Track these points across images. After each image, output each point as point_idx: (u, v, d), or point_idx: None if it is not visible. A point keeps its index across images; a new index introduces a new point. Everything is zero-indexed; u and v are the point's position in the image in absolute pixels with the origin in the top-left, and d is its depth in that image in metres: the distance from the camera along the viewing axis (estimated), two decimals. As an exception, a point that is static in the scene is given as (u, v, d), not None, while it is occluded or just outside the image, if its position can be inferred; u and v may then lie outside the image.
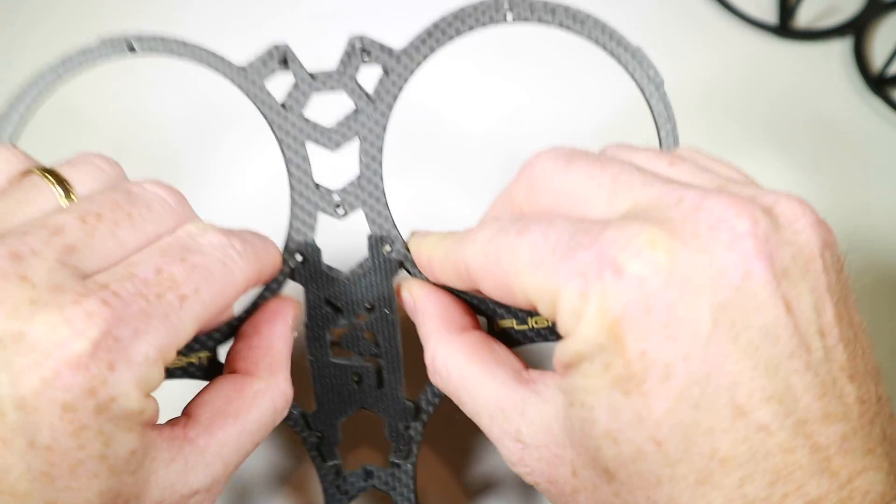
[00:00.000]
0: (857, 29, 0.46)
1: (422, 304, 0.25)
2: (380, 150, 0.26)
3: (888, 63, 0.44)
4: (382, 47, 0.26)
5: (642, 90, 0.27)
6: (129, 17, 0.44)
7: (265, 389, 0.24)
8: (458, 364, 0.24)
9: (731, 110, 0.43)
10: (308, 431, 0.27)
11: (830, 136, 0.43)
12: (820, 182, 0.42)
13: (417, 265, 0.26)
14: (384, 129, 0.26)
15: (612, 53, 0.27)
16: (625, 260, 0.18)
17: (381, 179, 0.26)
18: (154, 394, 0.20)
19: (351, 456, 0.28)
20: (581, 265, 0.19)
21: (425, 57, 0.26)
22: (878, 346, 0.21)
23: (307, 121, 0.26)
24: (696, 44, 0.45)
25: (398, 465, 0.27)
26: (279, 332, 0.25)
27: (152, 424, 0.21)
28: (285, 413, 0.25)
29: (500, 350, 0.25)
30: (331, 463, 0.27)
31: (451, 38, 0.26)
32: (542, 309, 0.20)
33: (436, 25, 0.26)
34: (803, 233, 0.20)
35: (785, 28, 0.46)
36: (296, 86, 0.26)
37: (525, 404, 0.22)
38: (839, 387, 0.19)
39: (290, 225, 0.26)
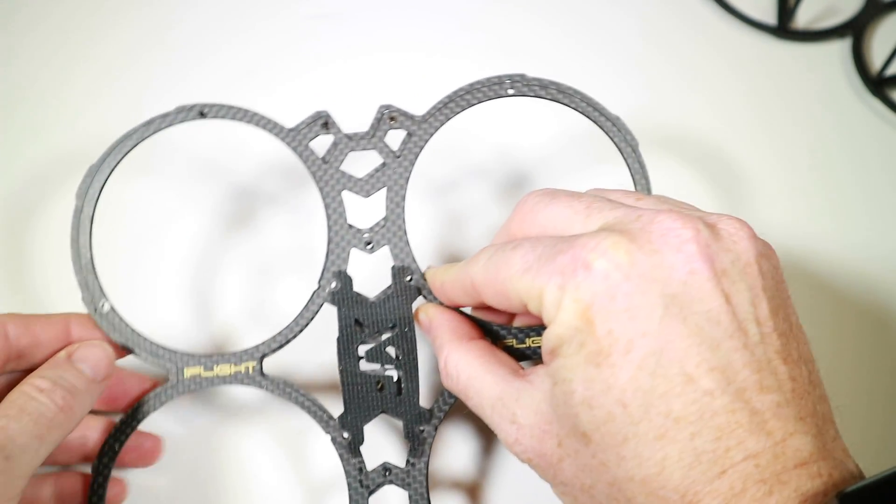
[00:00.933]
0: (855, 30, 0.46)
1: (436, 321, 0.30)
2: (403, 197, 0.32)
3: (887, 63, 0.44)
4: (406, 114, 0.32)
5: (621, 151, 0.32)
6: (129, 17, 0.44)
7: None
8: (466, 366, 0.28)
9: (730, 110, 0.44)
10: (338, 433, 0.31)
11: (829, 136, 0.43)
12: (818, 181, 0.42)
13: (432, 290, 0.31)
14: (407, 180, 0.32)
15: (595, 121, 0.32)
16: (593, 259, 0.23)
17: (404, 221, 0.32)
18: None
19: (372, 455, 0.31)
20: (560, 266, 0.24)
21: (442, 123, 0.32)
22: (880, 343, 0.22)
23: (343, 173, 0.32)
24: (695, 44, 0.46)
25: (413, 464, 0.31)
26: None
27: None
28: None
29: (501, 354, 0.29)
30: (355, 460, 0.31)
31: (463, 108, 0.32)
32: (532, 306, 0.25)
33: (450, 97, 0.32)
34: (740, 243, 0.24)
35: (784, 29, 0.46)
36: (334, 144, 0.32)
37: (520, 393, 0.26)
38: (773, 366, 0.23)
39: (327, 258, 0.31)
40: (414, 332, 0.31)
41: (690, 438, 0.22)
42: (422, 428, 0.31)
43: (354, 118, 0.32)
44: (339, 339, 0.31)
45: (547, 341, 0.24)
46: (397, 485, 0.31)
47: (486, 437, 0.35)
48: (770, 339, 0.23)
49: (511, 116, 0.40)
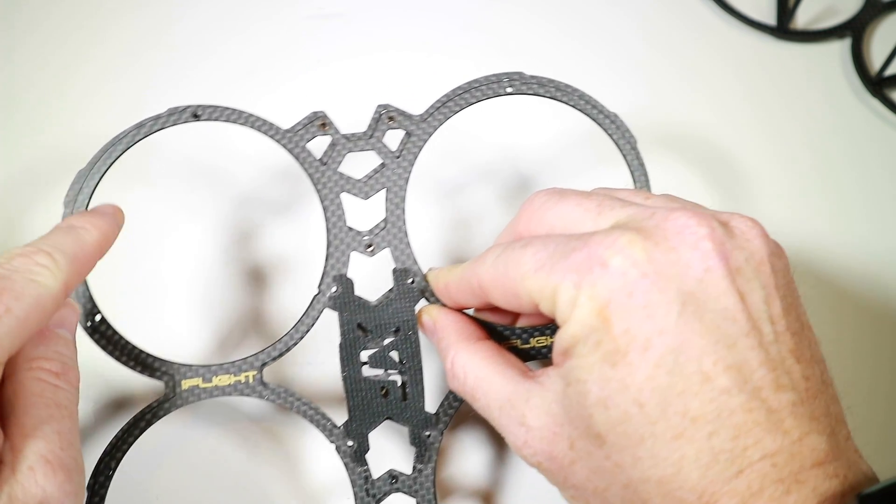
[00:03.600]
0: (855, 30, 0.46)
1: (441, 322, 0.29)
2: (403, 198, 0.31)
3: (886, 64, 0.44)
4: (404, 114, 0.31)
5: (620, 149, 0.32)
6: (128, 17, 0.44)
7: None
8: (473, 367, 0.27)
9: (729, 110, 0.44)
10: (342, 442, 0.30)
11: (828, 136, 0.43)
12: (818, 181, 0.42)
13: (435, 292, 0.30)
14: (406, 181, 0.31)
15: (594, 118, 0.32)
16: (610, 256, 0.23)
17: (405, 223, 0.31)
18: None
19: (378, 462, 0.31)
20: (575, 263, 0.23)
21: (441, 122, 0.32)
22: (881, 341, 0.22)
23: (341, 175, 0.31)
24: (695, 44, 0.46)
25: (420, 470, 0.30)
26: None
27: None
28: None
29: (508, 355, 0.28)
30: (361, 469, 0.30)
31: (462, 107, 0.32)
32: (544, 306, 0.25)
33: (448, 97, 0.32)
34: (753, 242, 0.24)
35: (783, 29, 0.46)
36: (332, 145, 0.31)
37: (529, 394, 0.25)
38: (787, 365, 0.23)
39: (327, 262, 0.31)
40: (417, 335, 0.30)
41: (708, 438, 0.22)
42: (428, 433, 0.30)
43: (353, 118, 0.32)
44: (341, 345, 0.30)
45: (560, 341, 0.24)
46: (404, 492, 0.30)
47: (497, 443, 0.35)
48: (784, 338, 0.23)
49: (511, 116, 0.40)
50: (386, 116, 0.31)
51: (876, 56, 0.46)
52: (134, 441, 0.29)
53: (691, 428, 0.22)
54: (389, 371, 0.30)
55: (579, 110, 0.32)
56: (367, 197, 0.31)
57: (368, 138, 0.31)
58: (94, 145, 0.31)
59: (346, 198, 0.31)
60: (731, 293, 0.23)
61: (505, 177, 0.41)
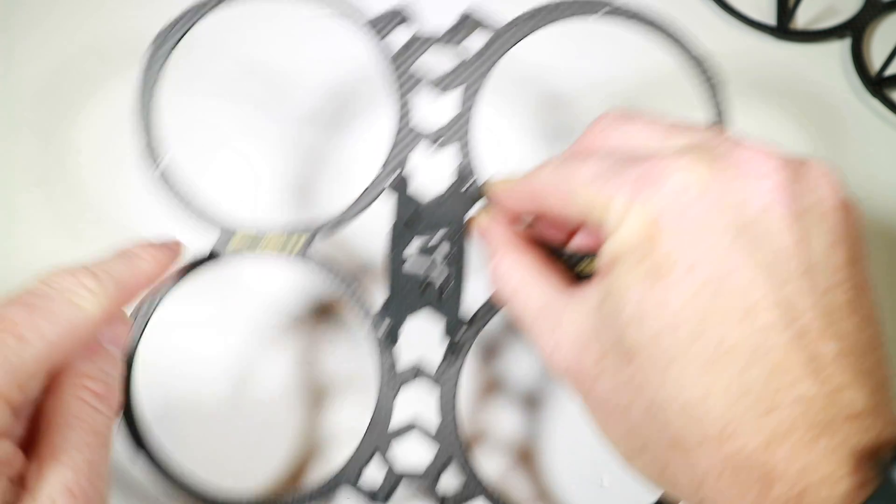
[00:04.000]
0: (855, 30, 0.46)
1: (492, 227, 0.30)
2: (476, 101, 0.31)
3: (886, 64, 0.44)
4: (489, 19, 0.31)
5: (702, 92, 0.32)
6: (128, 18, 0.43)
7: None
8: (516, 272, 0.28)
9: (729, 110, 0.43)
10: (375, 325, 0.30)
11: (829, 137, 0.43)
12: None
13: (492, 198, 0.30)
14: (482, 84, 0.31)
15: (680, 55, 0.32)
16: (669, 173, 0.22)
17: (474, 125, 0.31)
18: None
19: (405, 355, 0.31)
20: (632, 177, 0.23)
21: (525, 34, 0.31)
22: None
23: (418, 69, 0.31)
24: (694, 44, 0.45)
25: (446, 367, 0.31)
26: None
27: None
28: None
29: (552, 268, 0.28)
30: (389, 354, 0.31)
31: (549, 22, 0.31)
32: (594, 218, 0.24)
33: (537, 10, 0.31)
34: (825, 188, 0.23)
35: (783, 29, 0.46)
36: (412, 40, 0.31)
37: (566, 304, 0.25)
38: (839, 316, 0.22)
39: (392, 149, 0.31)
40: (466, 237, 0.31)
41: (741, 370, 0.21)
42: (461, 332, 0.31)
43: (438, 18, 0.32)
44: (391, 230, 0.30)
45: (605, 254, 0.24)
46: (428, 382, 0.31)
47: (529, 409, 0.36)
48: (840, 290, 0.22)
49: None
50: (472, 20, 0.31)
51: (876, 56, 0.46)
52: (173, 286, 0.30)
53: (725, 358, 0.21)
54: (434, 265, 0.31)
55: (667, 42, 0.32)
56: (441, 93, 0.31)
57: (450, 39, 0.32)
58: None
59: (420, 92, 0.31)
60: (791, 232, 0.22)
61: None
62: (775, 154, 0.23)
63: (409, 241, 0.30)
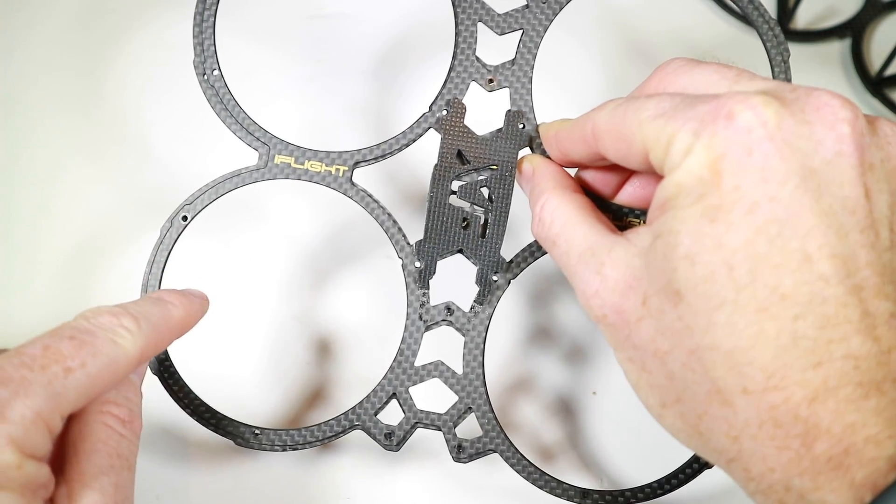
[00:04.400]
0: (855, 30, 0.46)
1: (540, 169, 0.29)
2: (537, 45, 0.31)
3: (886, 64, 0.44)
4: None
5: (770, 59, 0.32)
6: (128, 17, 0.43)
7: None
8: (562, 213, 0.27)
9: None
10: (410, 260, 0.30)
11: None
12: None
13: (544, 141, 0.30)
14: (546, 28, 0.31)
15: (751, 22, 0.32)
16: (739, 111, 0.21)
17: (532, 68, 0.31)
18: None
19: (438, 295, 0.31)
20: (699, 113, 0.22)
21: None
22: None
23: (483, 3, 0.31)
24: (695, 44, 0.45)
25: (477, 311, 0.30)
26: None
27: (35, 489, 0.21)
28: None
29: (599, 212, 0.28)
30: (420, 292, 0.30)
31: None
32: (655, 154, 0.23)
33: None
34: (894, 146, 0.23)
35: (784, 29, 0.46)
36: None
37: (613, 245, 0.25)
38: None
39: (445, 84, 0.31)
40: (513, 178, 0.30)
41: (793, 319, 0.20)
42: (496, 276, 0.30)
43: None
44: (435, 167, 0.30)
45: (662, 191, 0.23)
46: (456, 327, 0.30)
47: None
48: None
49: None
50: None
51: (876, 56, 0.46)
52: (217, 197, 0.31)
53: (778, 305, 0.20)
54: (476, 205, 0.30)
55: (740, 9, 0.31)
56: (502, 33, 0.31)
57: None
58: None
59: (481, 29, 0.31)
60: (858, 185, 0.21)
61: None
62: (849, 103, 0.22)
63: (456, 175, 0.30)
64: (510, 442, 0.30)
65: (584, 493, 0.30)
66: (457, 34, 0.31)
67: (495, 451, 0.30)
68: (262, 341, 0.37)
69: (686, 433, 0.23)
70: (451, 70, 0.31)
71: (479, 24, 0.31)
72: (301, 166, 0.31)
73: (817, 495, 0.20)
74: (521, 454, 0.30)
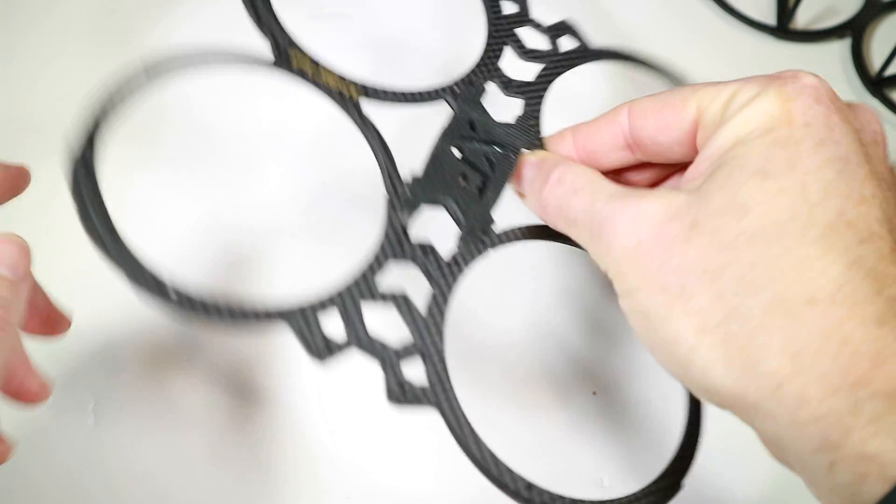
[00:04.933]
0: (855, 30, 0.46)
1: (548, 155, 0.29)
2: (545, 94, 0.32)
3: (886, 64, 0.44)
4: (584, 35, 0.35)
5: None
6: (128, 18, 0.44)
7: None
8: (585, 172, 0.27)
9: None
10: (398, 195, 0.29)
11: (829, 137, 0.43)
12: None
13: (554, 143, 0.30)
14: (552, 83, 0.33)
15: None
16: (802, 74, 0.24)
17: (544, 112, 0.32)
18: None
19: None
20: (760, 78, 0.24)
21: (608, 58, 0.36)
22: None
23: (512, 31, 0.33)
24: (695, 44, 0.46)
25: (455, 265, 0.29)
26: None
27: None
28: None
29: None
30: (404, 221, 0.28)
31: (622, 60, 0.36)
32: (710, 112, 0.24)
33: (623, 54, 0.36)
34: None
35: (783, 29, 0.46)
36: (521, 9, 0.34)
37: (649, 192, 0.24)
38: None
39: (479, 61, 0.32)
40: (515, 165, 0.30)
41: (858, 243, 0.21)
42: (481, 237, 0.29)
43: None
44: (448, 121, 0.30)
45: (719, 138, 0.24)
46: (423, 272, 0.28)
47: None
48: None
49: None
50: (568, 26, 0.34)
51: (876, 56, 0.46)
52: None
53: (845, 230, 0.21)
54: (477, 170, 0.30)
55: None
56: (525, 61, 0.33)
57: (549, 31, 0.34)
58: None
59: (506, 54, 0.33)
60: (888, 165, 0.24)
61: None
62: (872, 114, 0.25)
63: (465, 137, 0.30)
64: (457, 402, 0.26)
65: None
66: (486, 11, 0.33)
67: (435, 407, 0.26)
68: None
69: (725, 361, 0.22)
70: (485, 48, 0.33)
71: (509, 43, 0.33)
72: (316, 73, 0.30)
73: (891, 419, 0.19)
74: (465, 417, 0.26)
